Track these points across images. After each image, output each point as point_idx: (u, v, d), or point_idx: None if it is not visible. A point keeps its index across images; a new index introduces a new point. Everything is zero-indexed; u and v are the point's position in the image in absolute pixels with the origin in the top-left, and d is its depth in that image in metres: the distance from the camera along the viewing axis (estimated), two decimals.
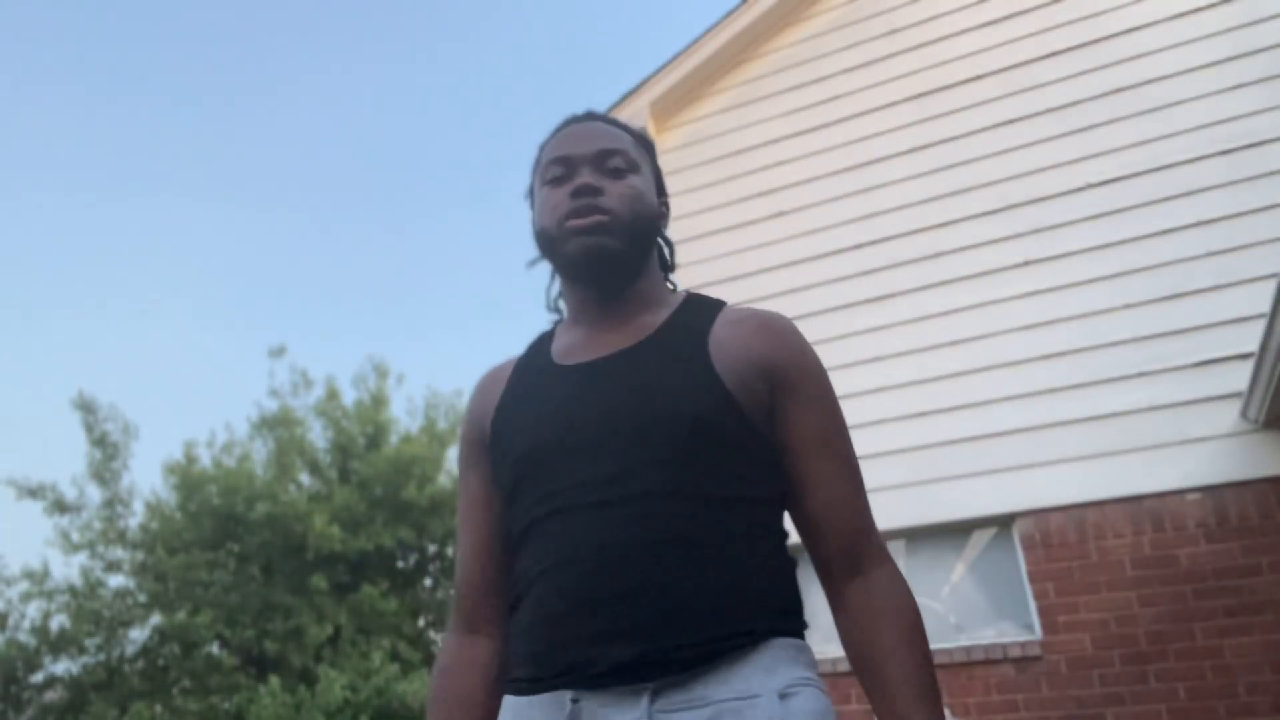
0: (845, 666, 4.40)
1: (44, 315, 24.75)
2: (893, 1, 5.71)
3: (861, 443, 3.68)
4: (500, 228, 33.90)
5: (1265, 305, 4.07)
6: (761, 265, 5.41)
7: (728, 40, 5.91)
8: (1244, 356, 4.24)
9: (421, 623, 13.78)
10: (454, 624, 1.19)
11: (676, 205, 5.85)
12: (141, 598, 12.13)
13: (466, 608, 1.18)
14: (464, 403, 15.72)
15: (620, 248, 1.15)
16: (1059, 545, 4.35)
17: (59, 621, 11.74)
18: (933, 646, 4.33)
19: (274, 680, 10.78)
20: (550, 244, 1.19)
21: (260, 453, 13.65)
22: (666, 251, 1.31)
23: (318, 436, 13.90)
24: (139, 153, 26.34)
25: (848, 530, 1.09)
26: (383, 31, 30.95)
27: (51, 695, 11.72)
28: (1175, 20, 4.98)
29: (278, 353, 14.14)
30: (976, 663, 4.31)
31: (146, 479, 28.35)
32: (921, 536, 4.68)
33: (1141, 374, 4.44)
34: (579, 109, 1.30)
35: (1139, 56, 4.98)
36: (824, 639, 4.15)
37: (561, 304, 1.29)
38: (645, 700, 0.96)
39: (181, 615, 11.31)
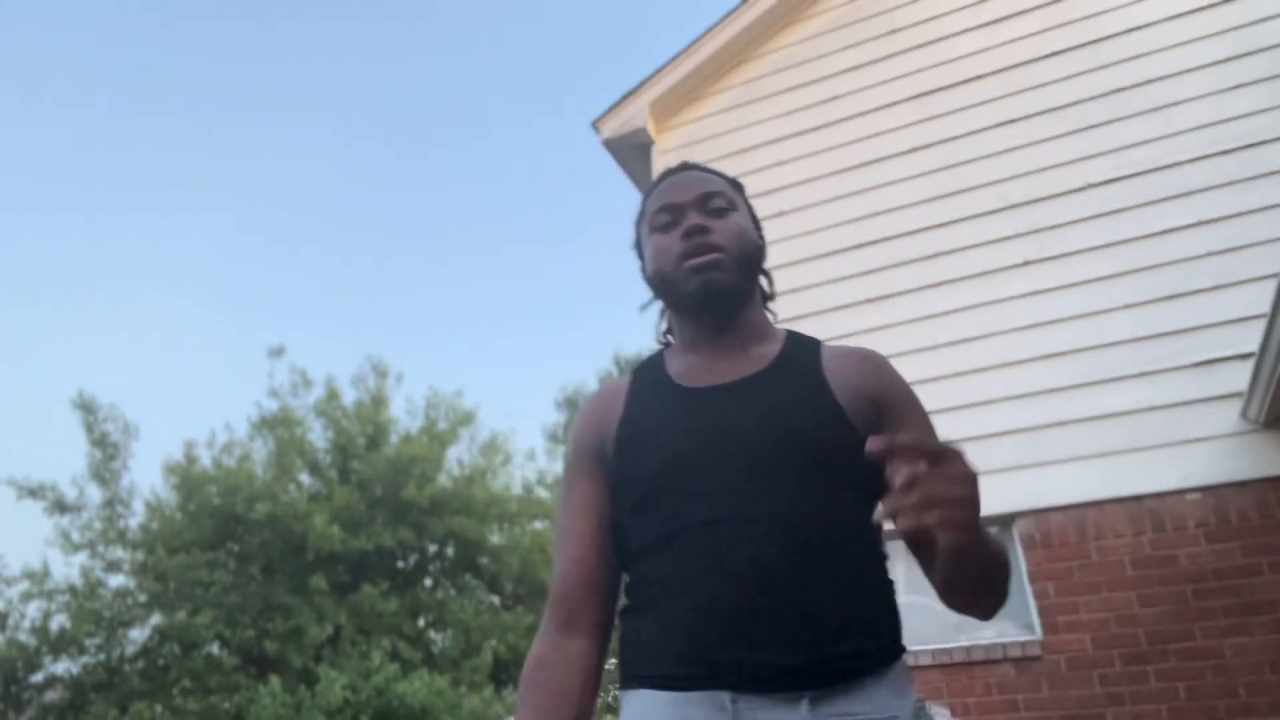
0: None
1: (44, 315, 24.74)
2: (893, 1, 5.71)
3: None
4: (500, 227, 33.92)
5: (1265, 305, 4.06)
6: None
7: (728, 40, 5.91)
8: (1244, 356, 4.24)
9: (421, 623, 13.79)
10: (552, 621, 1.22)
11: None
12: (141, 598, 12.14)
13: (566, 607, 1.22)
14: (464, 403, 15.72)
15: (733, 280, 1.25)
16: (1059, 545, 4.34)
17: (59, 621, 11.75)
18: (933, 646, 4.34)
19: (274, 680, 10.79)
20: (667, 284, 1.28)
21: (260, 453, 13.66)
22: (766, 284, 1.39)
23: (318, 436, 13.92)
24: (139, 152, 26.34)
25: None
26: (383, 34, 30.95)
27: (51, 695, 11.72)
28: (1175, 20, 4.98)
29: (277, 353, 14.16)
30: (976, 663, 4.31)
31: (146, 479, 28.32)
32: None
33: (1141, 374, 4.44)
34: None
35: (1139, 56, 4.98)
36: None
37: (669, 337, 1.38)
38: (805, 706, 1.03)
39: (181, 615, 11.31)
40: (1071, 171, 4.90)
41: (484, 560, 14.19)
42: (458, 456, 14.57)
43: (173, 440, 27.51)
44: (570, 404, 21.06)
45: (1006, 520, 4.53)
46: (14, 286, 23.97)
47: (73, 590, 11.96)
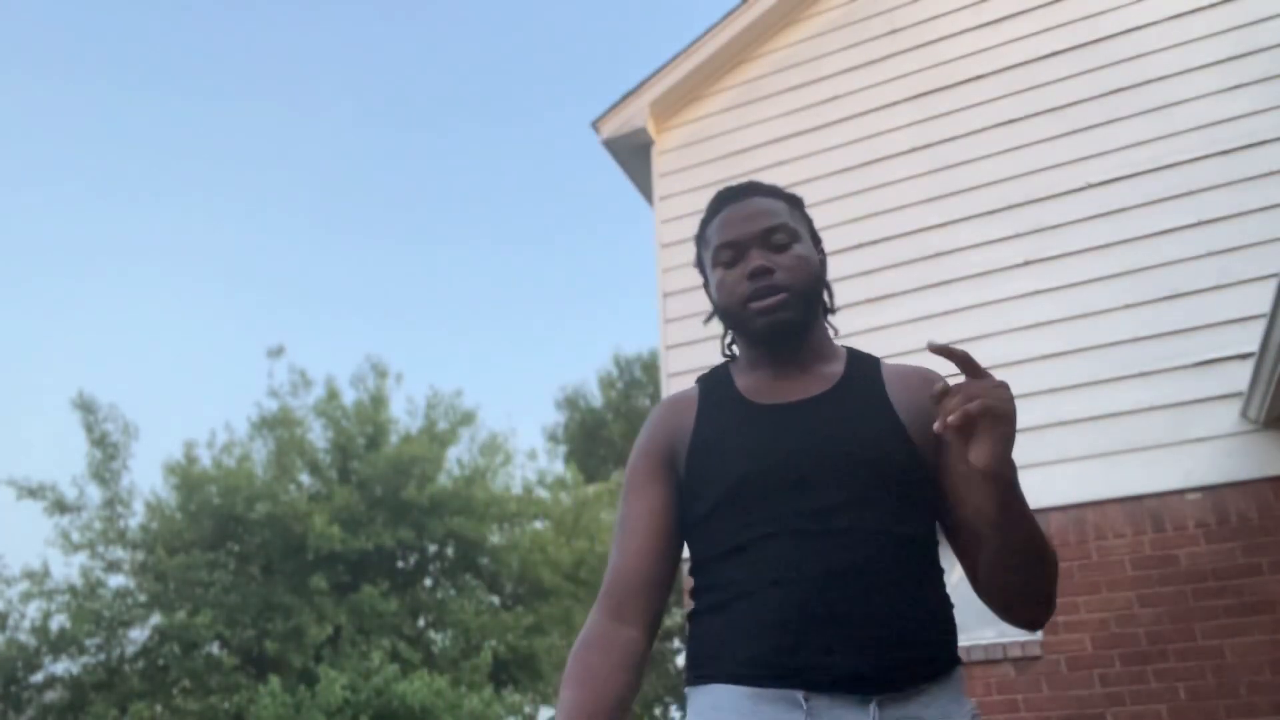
0: None
1: (44, 315, 24.75)
2: (893, 1, 5.71)
3: None
4: (500, 227, 33.92)
5: (1265, 305, 4.07)
6: None
7: (728, 40, 5.91)
8: (1244, 356, 4.24)
9: (421, 623, 13.79)
10: (603, 608, 1.27)
11: (676, 206, 5.86)
12: (141, 598, 12.13)
13: (618, 597, 1.26)
14: (464, 403, 15.73)
15: (798, 317, 1.31)
16: (1059, 545, 4.34)
17: (59, 621, 11.74)
18: None
19: (274, 680, 10.78)
20: (735, 320, 1.34)
21: (260, 453, 13.65)
22: (828, 297, 1.42)
23: (318, 436, 13.91)
24: (139, 152, 26.34)
25: None
26: (383, 34, 30.96)
27: (51, 695, 11.72)
28: (1175, 20, 4.98)
29: (277, 353, 14.14)
30: (976, 663, 4.32)
31: (146, 479, 28.36)
32: None
33: (1141, 374, 4.44)
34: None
35: (1139, 56, 4.98)
36: None
37: (733, 349, 1.45)
38: (873, 709, 1.09)
39: (181, 615, 11.30)
40: (1071, 171, 4.90)
41: (484, 560, 14.19)
42: (458, 456, 14.56)
43: (173, 440, 27.51)
44: (570, 404, 21.08)
45: None
46: (13, 286, 23.97)
47: (73, 590, 11.96)
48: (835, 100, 5.63)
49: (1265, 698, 3.87)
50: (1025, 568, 1.14)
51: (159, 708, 11.41)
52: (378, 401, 14.15)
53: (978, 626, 4.41)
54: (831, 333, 1.43)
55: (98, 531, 12.53)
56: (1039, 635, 4.28)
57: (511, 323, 33.23)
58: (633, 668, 1.22)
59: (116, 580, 12.39)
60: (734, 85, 5.96)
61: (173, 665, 11.54)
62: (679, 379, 5.38)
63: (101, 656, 11.91)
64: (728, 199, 1.39)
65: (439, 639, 13.77)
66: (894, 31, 5.64)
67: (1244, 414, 4.18)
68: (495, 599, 14.42)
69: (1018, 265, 4.85)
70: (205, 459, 13.33)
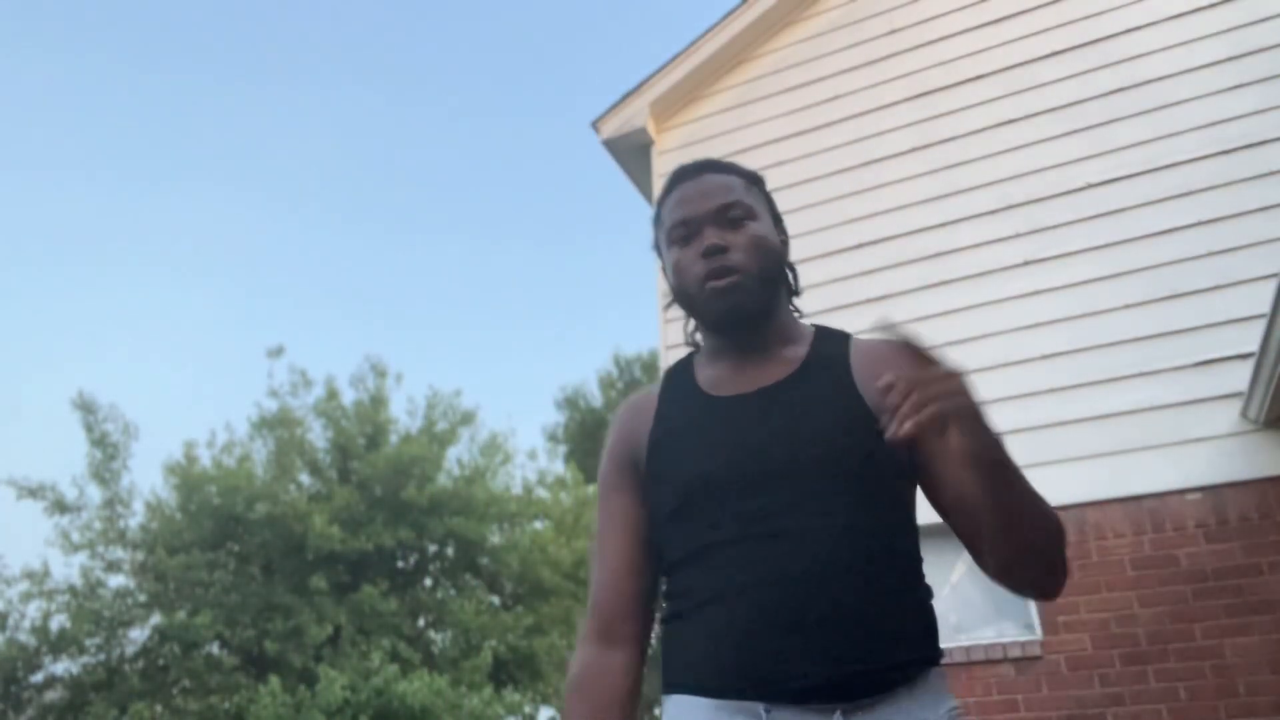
0: None
1: (44, 314, 24.74)
2: (893, 1, 5.71)
3: None
4: (500, 227, 33.92)
5: (1265, 305, 4.06)
6: None
7: (728, 40, 5.91)
8: (1244, 356, 4.24)
9: (421, 623, 13.79)
10: (590, 634, 1.24)
11: None
12: (141, 598, 12.14)
13: (604, 619, 1.23)
14: (464, 403, 15.72)
15: (756, 300, 1.25)
16: None
17: (59, 621, 11.74)
18: None
19: (274, 680, 10.78)
20: (691, 302, 1.28)
21: (260, 453, 13.67)
22: (791, 278, 1.38)
23: (317, 436, 13.92)
24: (139, 152, 26.34)
25: None
26: (383, 37, 30.95)
27: (51, 695, 11.72)
28: (1175, 20, 4.98)
29: (277, 353, 14.14)
30: (976, 663, 4.31)
31: (146, 479, 28.33)
32: (922, 536, 4.67)
33: (1141, 374, 4.44)
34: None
35: (1139, 56, 4.98)
36: None
37: (698, 336, 1.38)
38: (837, 719, 1.04)
39: (181, 615, 11.31)
40: (1071, 171, 4.90)
41: (484, 560, 14.19)
42: (458, 456, 14.57)
43: (173, 440, 27.50)
44: (570, 404, 21.08)
45: None
46: (14, 286, 23.97)
47: (73, 590, 11.96)
48: (835, 100, 5.63)
49: (1265, 698, 3.87)
50: (1030, 539, 1.10)
51: (159, 708, 11.42)
52: (377, 401, 14.16)
53: (978, 626, 4.41)
54: (797, 313, 1.37)
55: (98, 531, 12.53)
56: (1039, 635, 4.28)
57: (511, 323, 33.24)
58: (624, 701, 1.19)
59: (116, 580, 12.41)
60: (734, 85, 5.96)
61: (173, 665, 11.54)
62: None
63: (101, 656, 11.91)
64: (682, 177, 1.33)
65: (439, 639, 13.78)
66: (894, 31, 5.64)
67: (1244, 414, 4.18)
68: (495, 599, 14.42)
69: (1018, 265, 4.85)
70: (205, 459, 13.34)
